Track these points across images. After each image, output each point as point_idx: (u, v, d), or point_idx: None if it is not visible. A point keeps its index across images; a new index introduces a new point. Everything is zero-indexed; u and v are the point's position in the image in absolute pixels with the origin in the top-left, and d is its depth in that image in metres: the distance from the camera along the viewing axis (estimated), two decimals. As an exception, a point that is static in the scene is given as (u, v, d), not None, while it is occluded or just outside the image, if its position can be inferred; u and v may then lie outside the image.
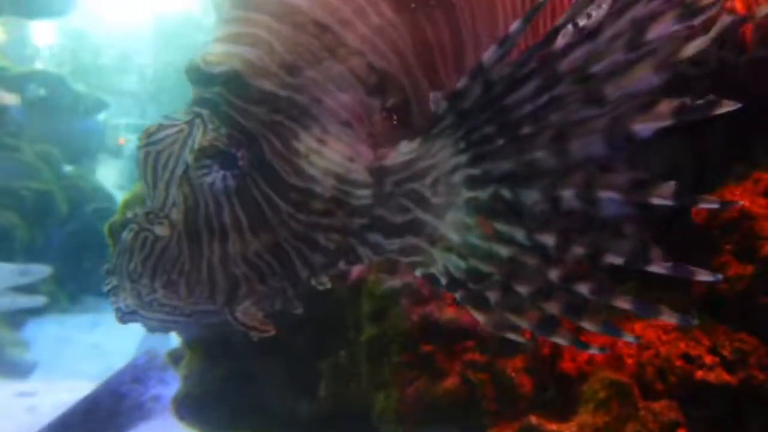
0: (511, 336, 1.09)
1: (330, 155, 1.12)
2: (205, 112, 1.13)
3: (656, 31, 0.95)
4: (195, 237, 1.11)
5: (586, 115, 1.00)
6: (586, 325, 1.04)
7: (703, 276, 0.98)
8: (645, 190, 0.98)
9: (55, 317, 5.79)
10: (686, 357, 1.79)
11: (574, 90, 1.01)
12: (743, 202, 1.70)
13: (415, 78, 1.19)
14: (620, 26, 0.97)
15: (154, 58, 11.76)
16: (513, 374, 1.96)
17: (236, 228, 1.11)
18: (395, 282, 2.11)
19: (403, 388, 2.00)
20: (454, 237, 1.10)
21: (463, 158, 1.10)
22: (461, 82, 1.06)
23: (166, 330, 1.27)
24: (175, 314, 1.14)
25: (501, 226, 1.06)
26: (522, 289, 1.06)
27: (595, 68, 0.99)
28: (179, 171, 1.12)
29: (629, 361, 1.90)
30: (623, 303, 1.02)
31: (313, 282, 1.17)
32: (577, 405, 1.85)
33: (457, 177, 1.10)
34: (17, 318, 5.37)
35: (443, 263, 1.11)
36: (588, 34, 0.98)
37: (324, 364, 2.34)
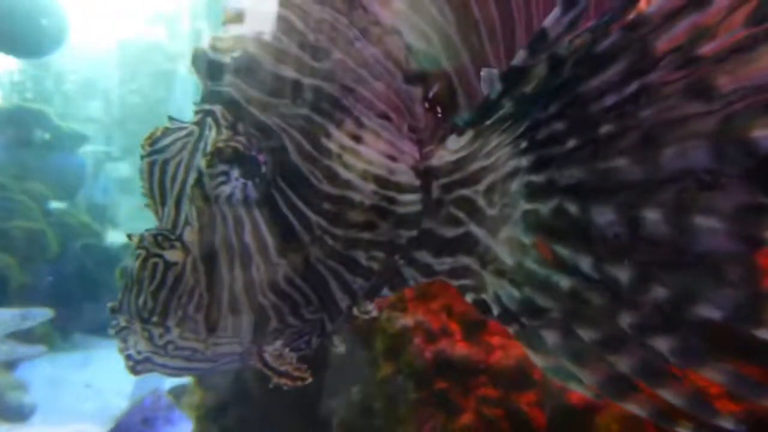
0: (575, 387, 0.89)
1: (368, 154, 0.93)
2: (217, 108, 0.94)
3: None
4: (212, 262, 0.92)
5: (689, 112, 0.75)
6: (666, 395, 0.80)
7: None
8: (760, 220, 0.72)
9: (47, 357, 5.74)
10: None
11: (674, 77, 0.76)
12: None
13: (461, 63, 0.99)
14: None
15: (120, 85, 11.58)
16: (526, 408, 2.02)
17: (260, 249, 0.92)
18: (408, 320, 2.16)
19: (420, 425, 2.04)
20: (507, 259, 0.90)
21: (524, 161, 0.88)
22: (519, 57, 0.82)
23: (184, 376, 1.02)
24: (195, 359, 0.93)
25: (562, 250, 0.85)
26: (585, 335, 0.85)
27: (705, 49, 0.74)
28: (191, 181, 0.93)
29: (637, 392, 1.97)
30: (716, 374, 0.77)
31: (355, 311, 0.98)
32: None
33: (516, 184, 0.89)
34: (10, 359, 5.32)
35: (494, 290, 0.92)
36: (694, 1, 0.73)
37: (336, 402, 2.38)
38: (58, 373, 5.40)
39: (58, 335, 6.03)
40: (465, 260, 0.95)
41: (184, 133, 0.96)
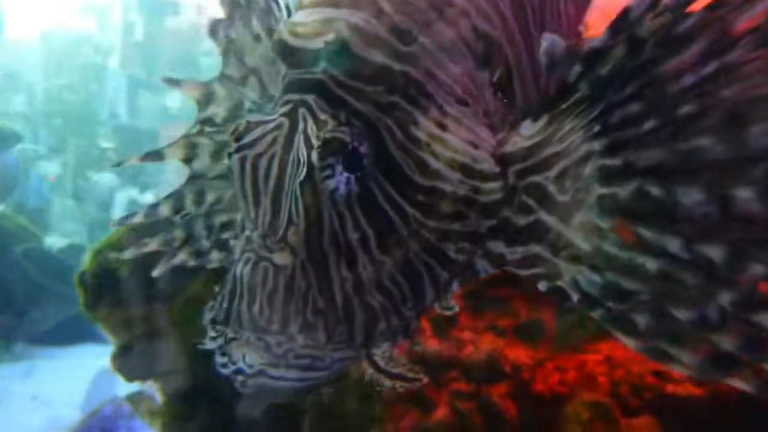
0: (677, 368, 0.85)
1: (452, 142, 0.90)
2: (310, 98, 0.89)
3: None
4: (321, 262, 0.87)
5: None
6: None
7: None
8: None
9: (-13, 369, 5.51)
10: (657, 374, 1.95)
11: (755, 56, 0.77)
12: None
13: (517, 45, 0.99)
14: None
15: (46, 79, 11.14)
16: (498, 400, 2.06)
17: (363, 245, 0.88)
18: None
19: (397, 422, 2.07)
20: (583, 244, 0.88)
21: (596, 145, 0.86)
22: (600, 39, 0.83)
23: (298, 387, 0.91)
24: (313, 368, 0.87)
25: (646, 232, 0.83)
26: (681, 315, 0.83)
27: None
28: (299, 177, 0.86)
29: (602, 380, 2.04)
30: None
31: (437, 307, 0.95)
32: (559, 426, 1.98)
33: (589, 169, 0.87)
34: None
35: (572, 276, 0.89)
36: None
37: (306, 404, 2.37)
38: (0, 386, 5.18)
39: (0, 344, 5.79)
40: (535, 248, 0.92)
41: (272, 125, 0.90)
